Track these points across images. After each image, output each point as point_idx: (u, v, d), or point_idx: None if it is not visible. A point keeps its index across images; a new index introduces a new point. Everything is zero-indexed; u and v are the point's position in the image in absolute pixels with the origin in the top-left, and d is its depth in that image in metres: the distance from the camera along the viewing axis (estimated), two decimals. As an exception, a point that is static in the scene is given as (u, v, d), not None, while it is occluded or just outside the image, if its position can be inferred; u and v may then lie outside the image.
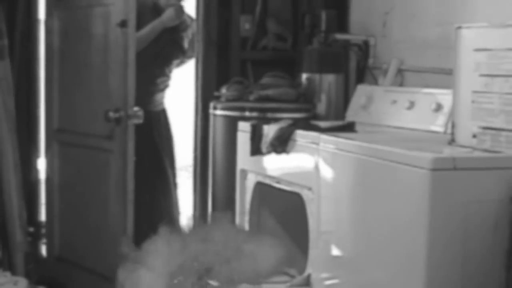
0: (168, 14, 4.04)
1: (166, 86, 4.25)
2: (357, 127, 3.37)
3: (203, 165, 4.11)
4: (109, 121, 3.31)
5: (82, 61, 3.62)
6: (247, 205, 3.45)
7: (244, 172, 3.46)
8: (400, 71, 3.74)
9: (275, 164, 3.23)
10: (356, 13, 4.12)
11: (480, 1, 3.25)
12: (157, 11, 4.12)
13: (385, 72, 3.79)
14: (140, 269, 2.76)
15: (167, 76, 4.24)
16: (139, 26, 3.75)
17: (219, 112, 3.79)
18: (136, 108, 3.35)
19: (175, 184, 4.31)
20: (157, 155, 4.15)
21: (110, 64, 3.39)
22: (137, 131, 3.43)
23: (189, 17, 4.28)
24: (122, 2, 3.29)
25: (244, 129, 3.43)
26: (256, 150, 3.30)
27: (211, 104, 3.86)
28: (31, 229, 3.92)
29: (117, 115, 3.30)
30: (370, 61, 3.94)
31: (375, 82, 3.87)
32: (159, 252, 2.81)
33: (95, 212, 3.57)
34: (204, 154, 4.08)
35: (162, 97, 4.24)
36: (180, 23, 4.19)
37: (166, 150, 4.26)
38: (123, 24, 3.27)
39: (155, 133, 4.15)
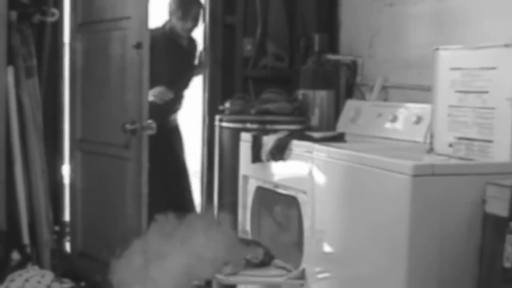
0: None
1: (181, 106, 4.26)
2: (347, 138, 3.38)
3: (209, 171, 4.11)
4: (126, 132, 3.31)
5: (102, 79, 3.63)
6: (249, 207, 3.44)
7: (246, 178, 3.45)
8: (384, 88, 3.73)
9: (274, 171, 3.22)
10: (346, 36, 4.12)
11: (455, 26, 3.25)
12: (173, 37, 4.10)
13: (371, 89, 3.78)
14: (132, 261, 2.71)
15: (183, 97, 4.25)
16: (154, 49, 3.78)
17: (224, 124, 3.80)
18: (149, 121, 3.36)
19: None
20: (180, 160, 4.15)
21: (127, 81, 3.39)
22: (160, 143, 3.47)
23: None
24: (138, 27, 3.30)
25: (246, 139, 3.42)
26: (256, 158, 3.30)
27: (217, 117, 3.87)
28: (57, 228, 3.91)
29: (132, 127, 3.30)
30: (358, 78, 3.93)
31: (362, 97, 3.86)
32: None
33: (113, 213, 3.57)
34: (210, 161, 4.08)
35: (177, 115, 4.27)
36: (195, 51, 4.18)
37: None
38: (138, 46, 3.28)
39: (174, 143, 4.17)
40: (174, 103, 4.21)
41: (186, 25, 4.11)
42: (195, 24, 4.14)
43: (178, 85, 4.20)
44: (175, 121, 4.28)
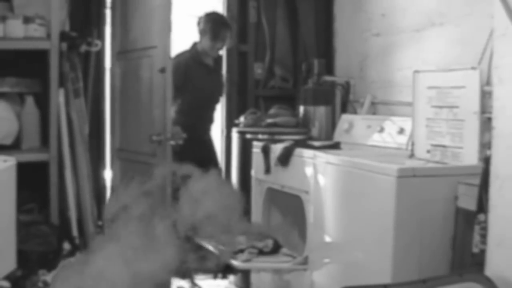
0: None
1: (214, 119, 4.14)
2: (342, 146, 3.40)
3: (227, 174, 4.12)
4: (152, 142, 3.28)
5: (134, 98, 3.59)
6: (261, 205, 3.45)
7: (258, 180, 3.45)
8: (373, 104, 3.74)
9: (281, 174, 3.23)
10: (340, 61, 4.13)
11: (430, 52, 3.26)
12: (200, 58, 3.96)
13: (362, 105, 3.79)
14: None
15: (215, 110, 4.12)
16: (187, 73, 3.82)
17: (238, 135, 3.81)
18: (183, 134, 3.37)
19: None
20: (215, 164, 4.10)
21: (153, 100, 3.35)
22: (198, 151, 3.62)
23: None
24: (162, 55, 3.26)
25: (257, 148, 3.44)
26: (268, 169, 3.31)
27: (233, 129, 3.89)
28: (100, 223, 3.91)
29: (158, 138, 3.24)
30: (351, 96, 3.93)
31: (354, 112, 3.86)
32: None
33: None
34: (228, 166, 4.09)
35: (211, 127, 4.14)
36: (221, 68, 4.14)
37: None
38: (162, 70, 3.23)
39: (210, 151, 4.13)
40: (212, 117, 4.09)
41: (216, 45, 3.93)
42: (223, 44, 3.99)
43: (211, 101, 4.07)
44: (208, 133, 4.11)
